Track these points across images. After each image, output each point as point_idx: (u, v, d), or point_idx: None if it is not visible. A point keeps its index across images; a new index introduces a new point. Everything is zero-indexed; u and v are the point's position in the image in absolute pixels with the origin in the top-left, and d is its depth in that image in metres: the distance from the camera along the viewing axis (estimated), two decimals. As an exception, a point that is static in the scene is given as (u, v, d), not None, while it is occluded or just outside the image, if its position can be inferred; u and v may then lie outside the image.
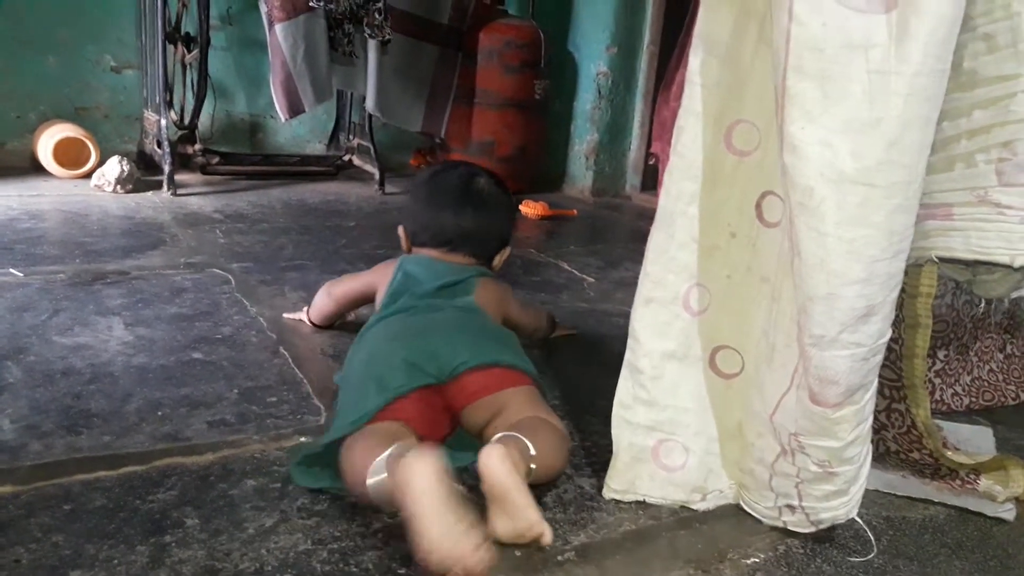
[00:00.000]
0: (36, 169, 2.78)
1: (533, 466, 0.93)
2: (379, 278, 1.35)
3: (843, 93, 0.78)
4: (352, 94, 3.19)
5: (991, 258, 0.92)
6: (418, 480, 0.80)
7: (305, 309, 1.56)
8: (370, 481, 0.87)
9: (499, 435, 0.95)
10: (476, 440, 1.03)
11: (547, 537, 0.87)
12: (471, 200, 1.34)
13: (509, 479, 0.85)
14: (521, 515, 0.86)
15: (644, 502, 1.02)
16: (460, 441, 1.07)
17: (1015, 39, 0.86)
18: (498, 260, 1.40)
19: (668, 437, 1.02)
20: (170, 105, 2.78)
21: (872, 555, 0.95)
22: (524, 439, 0.94)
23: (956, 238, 0.94)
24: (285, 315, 1.59)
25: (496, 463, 0.85)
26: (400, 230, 1.40)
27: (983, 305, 1.30)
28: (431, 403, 1.04)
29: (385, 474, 0.85)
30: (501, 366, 1.08)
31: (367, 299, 1.40)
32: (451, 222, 1.32)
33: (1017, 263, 0.91)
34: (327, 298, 1.48)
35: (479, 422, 1.05)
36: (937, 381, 1.36)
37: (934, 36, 0.76)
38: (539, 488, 1.03)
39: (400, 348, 1.07)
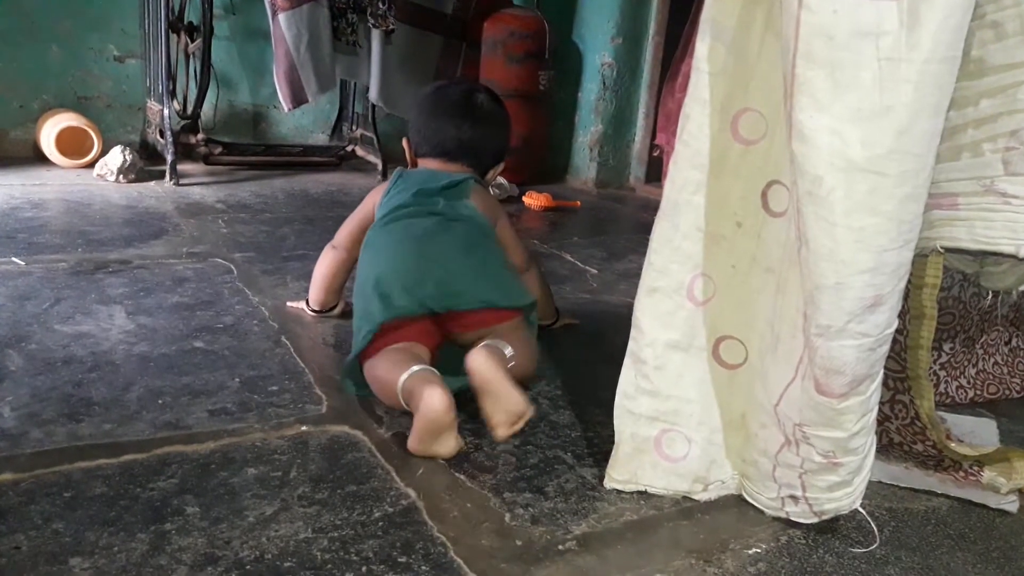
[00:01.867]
0: (39, 158, 2.78)
1: (511, 364, 1.14)
2: (375, 197, 1.42)
3: (853, 81, 0.77)
4: (355, 84, 3.19)
5: (996, 248, 0.91)
6: (428, 405, 1.02)
7: (304, 300, 1.56)
8: (398, 392, 1.08)
9: (483, 343, 1.13)
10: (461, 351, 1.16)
11: (529, 414, 1.07)
12: (471, 113, 1.41)
13: (496, 373, 1.05)
14: (511, 400, 1.05)
15: (646, 492, 1.02)
16: (447, 358, 1.21)
17: (1023, 27, 0.85)
18: (492, 174, 1.48)
19: (671, 427, 1.01)
20: (173, 95, 2.78)
21: (875, 546, 0.95)
22: (503, 342, 1.16)
23: (961, 228, 0.93)
24: (289, 303, 1.58)
25: (483, 361, 1.05)
26: (404, 142, 1.48)
27: (990, 298, 1.29)
28: (426, 325, 1.22)
29: (403, 387, 1.08)
30: (497, 308, 1.23)
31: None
32: (451, 134, 1.40)
33: (1022, 253, 0.90)
34: (332, 254, 1.47)
35: (467, 342, 1.20)
36: (942, 374, 1.35)
37: (945, 23, 0.75)
38: (539, 478, 1.03)
39: (405, 270, 1.21)
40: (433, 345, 1.23)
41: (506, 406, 1.05)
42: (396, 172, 1.41)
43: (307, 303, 1.54)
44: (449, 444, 1.05)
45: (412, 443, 1.05)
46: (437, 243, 1.25)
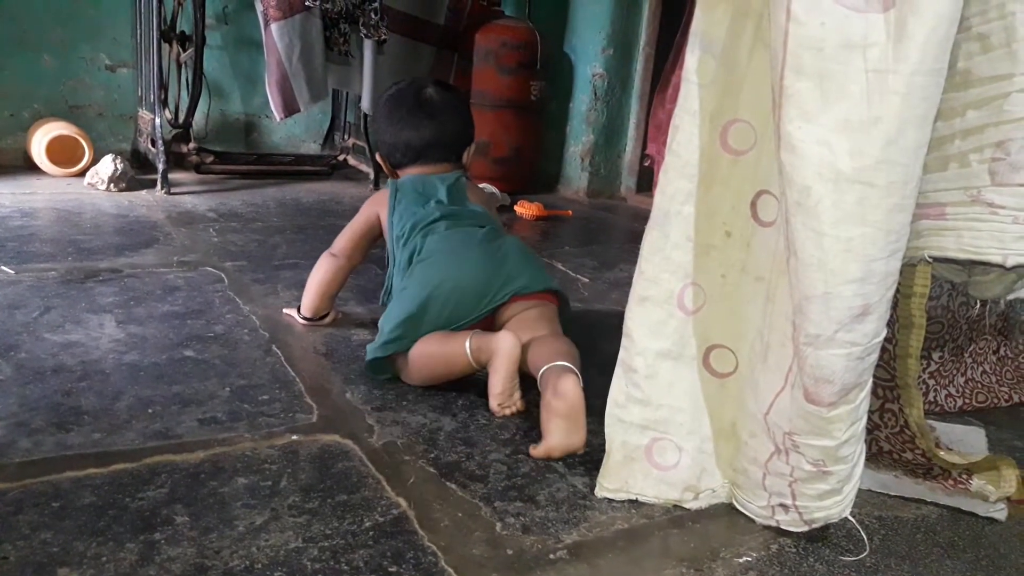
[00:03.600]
0: (30, 167, 2.77)
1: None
2: (376, 207, 1.48)
3: (841, 92, 0.78)
4: (347, 94, 3.19)
5: (984, 258, 0.92)
6: (504, 348, 1.18)
7: (296, 307, 1.55)
8: (467, 349, 1.22)
9: (559, 364, 1.16)
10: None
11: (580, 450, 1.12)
12: (424, 111, 1.47)
13: (581, 405, 1.10)
14: (579, 435, 1.10)
15: (637, 501, 1.02)
16: None
17: (1009, 39, 0.86)
18: (466, 156, 1.54)
19: (661, 436, 1.01)
20: (165, 104, 2.77)
21: (864, 554, 0.95)
22: (571, 364, 1.18)
23: (949, 237, 0.94)
24: (284, 311, 1.59)
25: (573, 388, 1.10)
26: (379, 158, 1.56)
27: (978, 307, 1.30)
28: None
29: (471, 345, 1.22)
30: (549, 292, 1.36)
31: (374, 235, 1.51)
32: (414, 137, 1.47)
33: (1010, 263, 0.90)
34: (330, 261, 1.50)
35: (504, 317, 1.33)
36: (931, 382, 1.36)
37: (932, 35, 0.76)
38: (530, 487, 1.03)
39: (478, 274, 1.31)
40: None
41: (573, 439, 1.10)
42: (391, 185, 1.46)
43: (298, 311, 1.54)
44: (516, 387, 1.22)
45: (495, 391, 1.20)
46: (499, 246, 1.37)
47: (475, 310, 1.30)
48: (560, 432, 1.09)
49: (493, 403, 1.22)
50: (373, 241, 1.52)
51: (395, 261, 1.41)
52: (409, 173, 1.49)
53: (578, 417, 1.10)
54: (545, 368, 1.17)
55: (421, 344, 1.27)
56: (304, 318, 1.53)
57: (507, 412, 1.22)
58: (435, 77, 3.05)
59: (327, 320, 1.54)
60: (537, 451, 1.10)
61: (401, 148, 1.48)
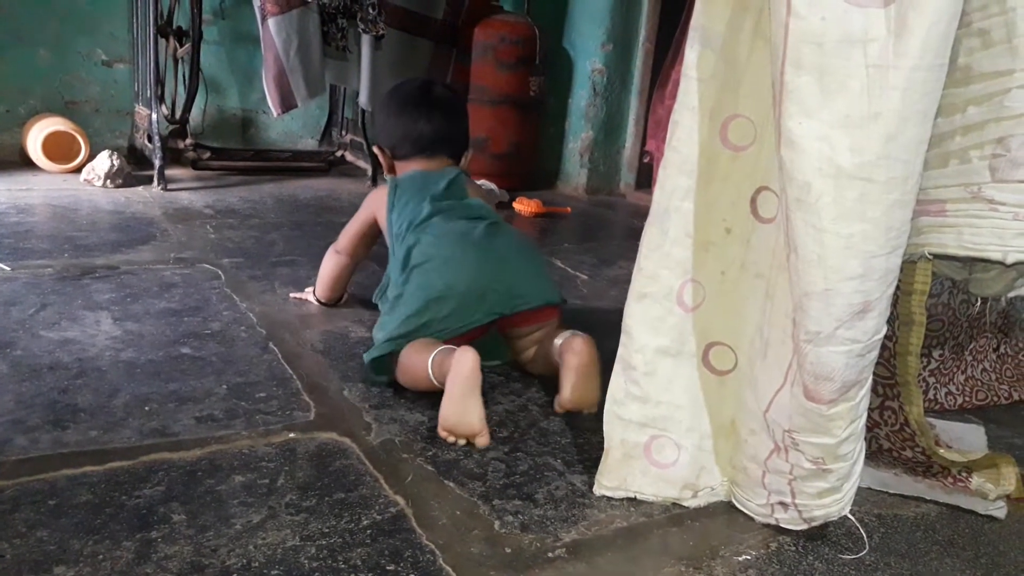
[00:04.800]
0: (25, 163, 2.76)
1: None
2: (375, 203, 1.50)
3: (841, 88, 0.77)
4: (345, 89, 3.18)
5: (984, 254, 0.91)
6: (458, 365, 1.10)
7: (310, 289, 1.64)
8: (429, 364, 1.17)
9: (572, 331, 1.23)
10: (504, 341, 1.37)
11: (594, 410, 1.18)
12: (436, 105, 1.49)
13: (594, 360, 1.18)
14: (594, 391, 1.18)
15: (636, 499, 1.01)
16: (486, 347, 1.27)
17: (1010, 35, 0.86)
18: (464, 161, 1.54)
19: (660, 433, 1.01)
20: (161, 99, 2.77)
21: (864, 552, 0.95)
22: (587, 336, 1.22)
23: (949, 234, 0.93)
24: (292, 295, 1.66)
25: (585, 345, 1.18)
26: (376, 150, 1.54)
27: (979, 304, 1.30)
28: (483, 327, 1.31)
29: (433, 365, 1.16)
30: (552, 305, 1.35)
31: (373, 233, 1.54)
32: (426, 128, 1.47)
33: (1010, 259, 0.90)
34: (335, 258, 1.57)
35: (520, 336, 1.35)
36: (932, 380, 1.36)
37: (932, 31, 0.75)
38: (529, 485, 1.03)
39: (476, 277, 1.30)
40: (478, 335, 1.31)
41: (579, 393, 1.19)
42: (390, 182, 1.48)
43: (312, 292, 1.62)
44: (476, 414, 1.09)
45: (443, 414, 1.11)
46: (496, 248, 1.36)
47: (476, 314, 1.29)
48: (568, 386, 1.16)
49: (440, 429, 1.11)
50: (374, 239, 1.56)
51: (393, 257, 1.42)
52: (410, 168, 1.49)
53: (588, 373, 1.17)
54: (559, 341, 1.23)
55: (406, 350, 1.25)
56: (319, 300, 1.62)
57: (457, 442, 1.11)
58: (433, 72, 3.08)
59: (341, 302, 1.64)
60: (560, 405, 1.20)
61: (412, 139, 1.47)
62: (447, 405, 1.10)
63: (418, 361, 1.20)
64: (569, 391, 1.19)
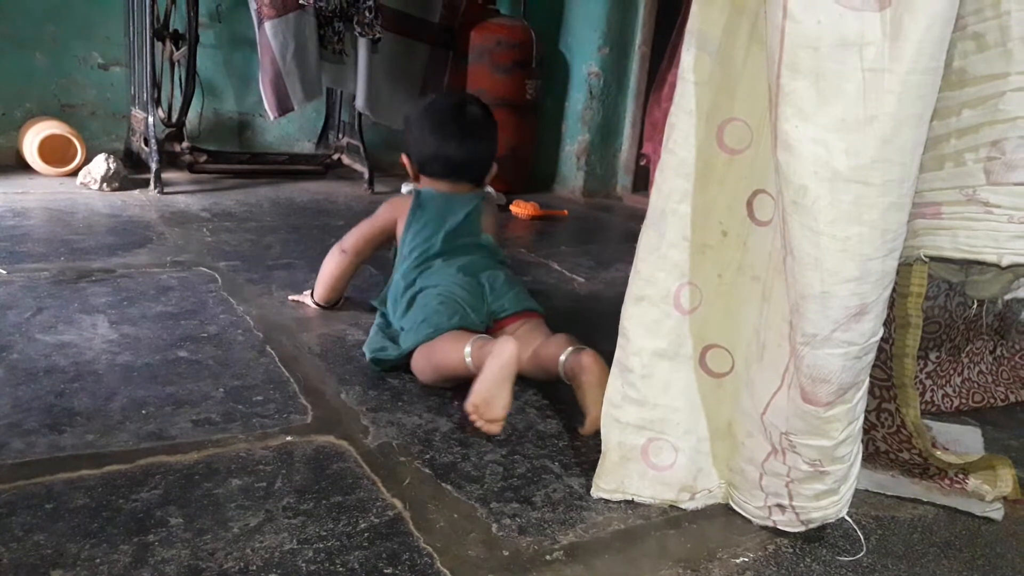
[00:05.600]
0: (22, 167, 2.75)
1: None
2: (397, 212, 1.53)
3: (837, 91, 0.78)
4: (342, 92, 3.18)
5: (979, 257, 0.92)
6: (500, 352, 1.14)
7: (308, 292, 1.65)
8: (465, 351, 1.22)
9: (573, 347, 1.24)
10: None
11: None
12: (469, 130, 1.52)
13: (605, 372, 1.12)
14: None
15: (633, 501, 1.02)
16: None
17: (1004, 38, 0.86)
18: (488, 177, 1.59)
19: (657, 436, 1.01)
20: (158, 103, 2.76)
21: (861, 554, 0.95)
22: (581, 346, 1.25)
23: (944, 237, 0.93)
24: (290, 297, 1.67)
25: (594, 360, 1.18)
26: (404, 159, 1.57)
27: (975, 307, 1.30)
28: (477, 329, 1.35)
29: (471, 349, 1.22)
30: (530, 311, 1.42)
31: (387, 236, 1.56)
32: (456, 152, 1.51)
33: (1005, 262, 0.90)
34: (340, 257, 1.57)
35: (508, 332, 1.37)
36: (928, 383, 1.36)
37: (927, 34, 0.76)
38: (526, 487, 1.03)
39: (472, 298, 1.38)
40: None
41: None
42: (415, 194, 1.52)
43: (310, 295, 1.63)
44: (504, 400, 1.12)
45: (476, 389, 1.12)
46: (482, 277, 1.43)
47: (479, 324, 1.36)
48: (599, 402, 1.11)
49: (468, 404, 1.14)
50: (385, 242, 1.58)
51: (398, 270, 1.48)
52: (434, 186, 1.53)
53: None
54: (563, 358, 1.23)
55: (439, 338, 1.30)
56: (316, 303, 1.62)
57: (481, 425, 1.13)
58: (430, 76, 3.08)
59: (338, 306, 1.64)
60: (585, 428, 1.16)
61: (441, 161, 1.51)
62: (482, 384, 1.13)
63: (454, 348, 1.25)
64: (598, 410, 1.11)
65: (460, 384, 1.28)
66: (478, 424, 1.13)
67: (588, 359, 1.19)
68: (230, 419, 1.13)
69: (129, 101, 2.99)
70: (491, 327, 1.40)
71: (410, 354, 1.33)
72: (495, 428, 1.13)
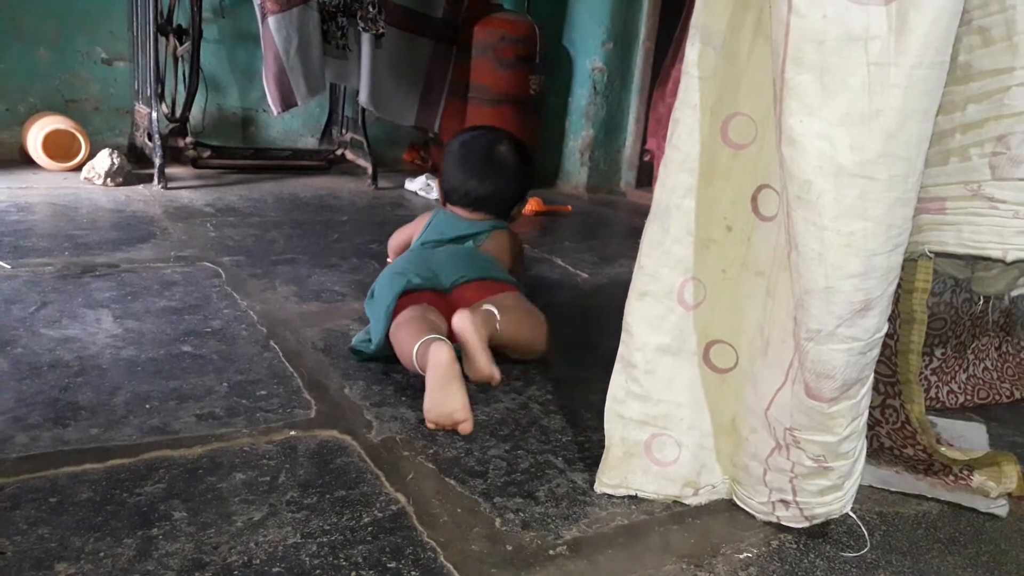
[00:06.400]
0: (26, 162, 2.75)
1: (498, 327, 1.30)
2: (417, 227, 1.69)
3: (842, 85, 0.77)
4: (345, 88, 3.17)
5: (983, 252, 0.92)
6: (435, 359, 1.14)
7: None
8: (413, 357, 1.21)
9: (472, 307, 1.27)
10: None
11: (496, 379, 1.27)
12: (493, 169, 1.64)
13: (471, 335, 1.23)
14: (479, 362, 1.23)
15: (637, 497, 1.02)
16: None
17: (1010, 32, 0.86)
18: (516, 211, 1.72)
19: (661, 432, 1.01)
20: (161, 98, 2.76)
21: (865, 550, 0.95)
22: (493, 309, 1.32)
23: (949, 232, 0.93)
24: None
25: (464, 323, 1.23)
26: (436, 183, 1.75)
27: (981, 303, 1.30)
28: (439, 304, 1.37)
29: (417, 354, 1.20)
30: (489, 279, 1.44)
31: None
32: (476, 188, 1.63)
33: (1009, 257, 0.90)
34: (391, 251, 1.79)
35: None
36: (934, 379, 1.36)
37: (933, 28, 0.75)
38: (530, 482, 1.03)
39: (413, 267, 1.43)
40: (449, 316, 1.33)
41: (477, 368, 1.24)
42: (436, 209, 1.68)
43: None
44: (458, 399, 1.12)
45: (426, 406, 1.13)
46: (438, 252, 1.52)
47: (424, 283, 1.40)
48: (476, 359, 1.23)
49: (428, 422, 1.14)
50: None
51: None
52: (453, 210, 1.65)
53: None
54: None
55: (395, 329, 1.30)
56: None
57: (453, 429, 1.13)
58: (433, 70, 3.07)
59: None
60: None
61: (461, 192, 1.64)
62: (428, 397, 1.14)
63: (406, 346, 1.25)
64: (469, 370, 1.24)
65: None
66: (450, 429, 1.14)
67: (459, 320, 1.24)
68: (234, 413, 1.13)
69: (133, 96, 2.99)
70: (449, 292, 1.41)
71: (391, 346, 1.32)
72: (466, 428, 1.13)
